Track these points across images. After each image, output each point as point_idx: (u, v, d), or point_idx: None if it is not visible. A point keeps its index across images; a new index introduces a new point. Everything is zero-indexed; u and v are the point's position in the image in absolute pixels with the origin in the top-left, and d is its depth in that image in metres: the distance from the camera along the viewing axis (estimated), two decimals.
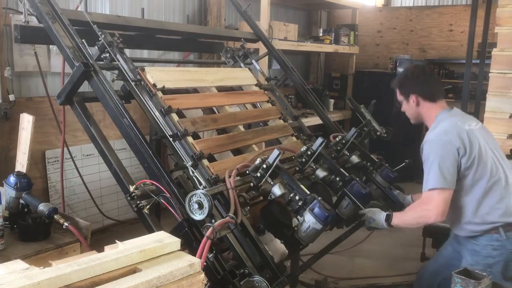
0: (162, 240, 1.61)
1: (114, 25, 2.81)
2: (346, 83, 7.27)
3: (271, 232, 2.34)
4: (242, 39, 3.68)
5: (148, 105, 2.48)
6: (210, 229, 1.94)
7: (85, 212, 4.34)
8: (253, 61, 3.68)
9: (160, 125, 2.44)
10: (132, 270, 1.43)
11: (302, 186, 2.30)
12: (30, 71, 3.92)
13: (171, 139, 2.42)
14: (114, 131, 4.36)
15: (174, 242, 1.63)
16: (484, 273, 1.97)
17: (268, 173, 2.26)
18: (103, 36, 2.47)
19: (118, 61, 2.48)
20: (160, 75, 2.68)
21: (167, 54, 5.32)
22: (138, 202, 2.24)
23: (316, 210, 2.17)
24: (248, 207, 2.29)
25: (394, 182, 2.96)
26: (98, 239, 3.83)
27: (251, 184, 2.31)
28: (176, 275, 1.42)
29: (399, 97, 2.65)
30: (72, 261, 1.46)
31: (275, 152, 2.26)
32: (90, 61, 2.37)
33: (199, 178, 2.26)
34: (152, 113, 2.48)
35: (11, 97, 3.74)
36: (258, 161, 2.29)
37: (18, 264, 1.61)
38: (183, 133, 2.47)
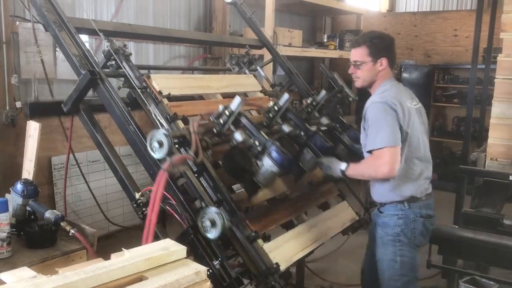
0: (168, 248, 1.62)
1: (120, 32, 2.83)
2: (351, 88, 7.25)
3: (232, 176, 2.43)
4: (247, 46, 3.69)
5: (154, 112, 2.49)
6: (167, 162, 2.07)
7: (91, 218, 4.35)
8: (258, 68, 3.69)
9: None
10: (139, 278, 1.43)
11: (262, 132, 2.40)
12: (37, 78, 3.95)
13: (176, 146, 2.43)
14: (120, 137, 4.36)
15: (180, 250, 1.64)
16: (492, 282, 1.97)
17: (230, 120, 2.37)
18: (109, 43, 2.49)
19: (124, 68, 2.49)
20: (165, 82, 2.69)
21: (172, 61, 5.34)
22: (144, 209, 2.25)
23: (273, 153, 2.30)
24: (210, 151, 2.41)
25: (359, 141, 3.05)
26: (104, 245, 3.82)
27: (214, 130, 2.43)
28: (182, 283, 1.42)
29: (365, 57, 2.57)
30: (79, 269, 1.47)
31: (237, 99, 2.38)
32: (96, 69, 2.39)
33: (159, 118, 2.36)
34: (158, 120, 2.49)
35: (18, 104, 3.77)
36: (221, 108, 2.39)
37: (25, 272, 1.61)
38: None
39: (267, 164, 2.31)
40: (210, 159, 2.38)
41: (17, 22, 3.79)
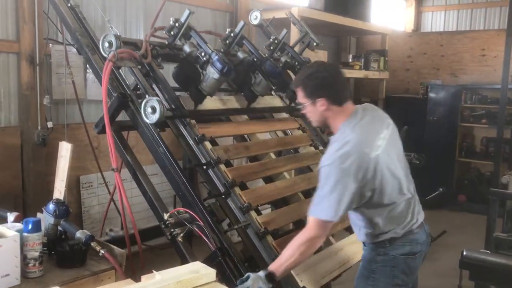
0: (198, 270, 1.63)
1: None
2: None
3: (181, 86, 2.69)
4: None
5: (183, 133, 2.53)
6: (112, 53, 2.36)
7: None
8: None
9: (195, 153, 2.47)
10: None
11: (208, 44, 2.60)
12: (67, 98, 4.05)
13: (204, 167, 2.45)
14: (146, 156, 4.42)
15: (210, 273, 1.64)
16: None
17: (180, 32, 2.61)
18: (139, 66, 2.55)
19: (154, 90, 2.54)
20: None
21: None
22: (172, 230, 2.27)
23: (215, 62, 2.50)
24: (160, 59, 2.68)
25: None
26: (129, 264, 3.86)
27: (166, 42, 2.70)
28: None
29: (302, 99, 2.26)
30: None
31: (186, 12, 2.61)
32: (127, 91, 2.44)
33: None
34: (187, 141, 2.52)
35: (49, 124, 3.86)
36: (171, 21, 2.64)
37: None
38: (216, 161, 2.51)
39: (210, 71, 2.53)
40: (160, 66, 2.67)
41: (50, 45, 3.90)
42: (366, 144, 2.15)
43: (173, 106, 2.55)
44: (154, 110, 2.31)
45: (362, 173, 2.09)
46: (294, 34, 5.37)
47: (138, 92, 2.64)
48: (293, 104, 3.41)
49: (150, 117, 2.33)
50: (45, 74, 3.89)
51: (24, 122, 3.78)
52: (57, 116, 4.04)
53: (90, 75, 4.19)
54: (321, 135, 3.62)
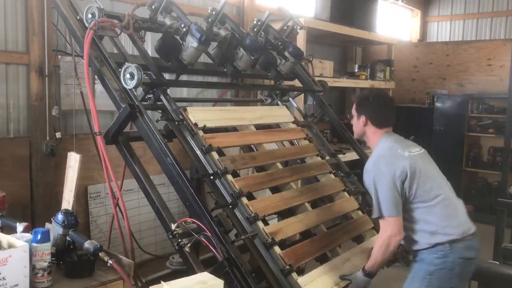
0: (206, 281, 1.63)
1: (160, 67, 2.92)
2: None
3: (163, 57, 2.80)
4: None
5: (191, 144, 2.54)
6: (93, 21, 2.51)
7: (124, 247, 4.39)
8: (290, 99, 3.73)
9: (202, 163, 2.49)
10: None
11: (187, 17, 2.72)
12: (75, 109, 4.08)
13: (212, 177, 2.46)
14: (153, 167, 4.43)
15: (217, 283, 1.65)
16: None
17: (161, 5, 2.73)
18: (147, 77, 2.58)
19: (162, 101, 2.57)
20: (201, 115, 2.76)
21: (205, 92, 5.43)
22: (179, 240, 2.28)
23: (194, 31, 2.61)
24: (143, 32, 2.84)
25: (299, 56, 3.36)
26: (137, 274, 3.86)
27: (148, 16, 2.84)
28: None
29: (353, 111, 2.79)
30: None
31: None
32: (136, 102, 2.46)
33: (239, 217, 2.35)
34: (194, 152, 2.54)
35: (58, 135, 3.88)
36: None
37: None
38: (223, 171, 2.52)
39: (189, 41, 2.64)
40: (143, 39, 2.83)
41: (59, 56, 3.94)
42: (399, 147, 2.56)
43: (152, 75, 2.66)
44: (132, 76, 2.41)
45: (398, 168, 2.44)
46: (300, 47, 5.40)
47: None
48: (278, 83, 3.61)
49: (129, 83, 2.43)
50: (54, 85, 3.92)
51: (33, 132, 3.81)
52: (65, 126, 4.07)
53: (98, 86, 4.21)
54: (328, 145, 3.63)
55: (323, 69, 5.93)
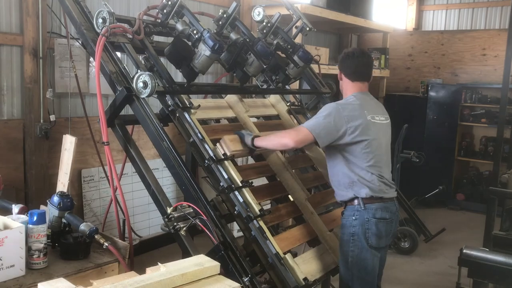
0: (203, 264, 1.65)
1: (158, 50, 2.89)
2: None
3: (173, 63, 2.70)
4: None
5: (187, 130, 2.55)
6: (105, 28, 2.44)
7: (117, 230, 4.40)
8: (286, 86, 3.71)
9: (200, 150, 2.50)
10: None
11: (200, 23, 2.63)
12: (70, 92, 4.06)
13: (212, 163, 2.47)
14: (148, 151, 4.45)
15: (214, 266, 1.66)
16: None
17: (173, 10, 2.66)
18: (144, 60, 2.56)
19: (159, 85, 2.55)
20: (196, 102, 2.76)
21: (199, 77, 5.41)
22: (175, 223, 2.29)
23: (207, 39, 2.52)
24: (153, 36, 2.77)
25: (309, 61, 3.29)
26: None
27: (159, 20, 2.77)
28: None
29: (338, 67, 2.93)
30: (115, 281, 1.50)
31: None
32: (133, 85, 2.45)
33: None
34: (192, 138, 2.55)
35: (52, 118, 3.87)
36: (164, 0, 2.69)
37: (62, 283, 1.66)
38: (220, 158, 2.53)
39: (201, 48, 2.55)
40: (153, 44, 2.73)
41: (54, 38, 3.91)
42: (365, 108, 2.68)
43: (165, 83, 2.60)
44: (145, 84, 2.36)
45: (352, 123, 2.58)
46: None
47: None
48: (287, 87, 3.49)
49: (142, 92, 2.38)
50: (48, 68, 3.90)
51: (26, 115, 3.79)
52: (59, 109, 4.05)
53: (93, 69, 4.20)
54: None
55: (318, 55, 5.91)
